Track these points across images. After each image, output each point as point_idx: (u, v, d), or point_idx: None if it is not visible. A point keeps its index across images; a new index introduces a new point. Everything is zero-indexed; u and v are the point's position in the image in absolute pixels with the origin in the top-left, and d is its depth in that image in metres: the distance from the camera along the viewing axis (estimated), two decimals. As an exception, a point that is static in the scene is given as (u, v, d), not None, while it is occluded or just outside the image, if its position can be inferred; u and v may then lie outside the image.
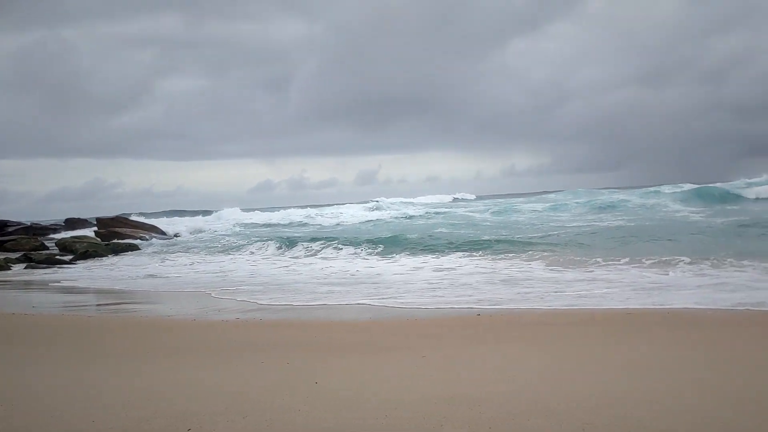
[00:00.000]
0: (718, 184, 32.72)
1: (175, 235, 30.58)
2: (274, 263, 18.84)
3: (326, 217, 36.76)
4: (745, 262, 12.13)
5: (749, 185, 31.13)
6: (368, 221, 33.00)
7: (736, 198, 29.93)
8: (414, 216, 34.29)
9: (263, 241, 23.64)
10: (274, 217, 38.09)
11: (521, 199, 44.17)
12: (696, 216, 24.15)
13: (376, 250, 19.27)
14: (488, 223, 27.59)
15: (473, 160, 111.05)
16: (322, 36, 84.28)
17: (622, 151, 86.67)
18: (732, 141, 78.30)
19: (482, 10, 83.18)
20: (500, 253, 16.52)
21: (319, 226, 32.80)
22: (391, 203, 42.65)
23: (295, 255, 20.54)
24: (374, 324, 9.02)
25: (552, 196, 42.95)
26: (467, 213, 34.50)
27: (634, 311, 8.64)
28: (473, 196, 59.58)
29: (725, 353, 6.20)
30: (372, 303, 10.67)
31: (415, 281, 13.26)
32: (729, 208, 27.11)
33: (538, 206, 35.22)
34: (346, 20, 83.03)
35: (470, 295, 10.91)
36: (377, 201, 42.93)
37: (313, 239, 22.39)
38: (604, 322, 8.18)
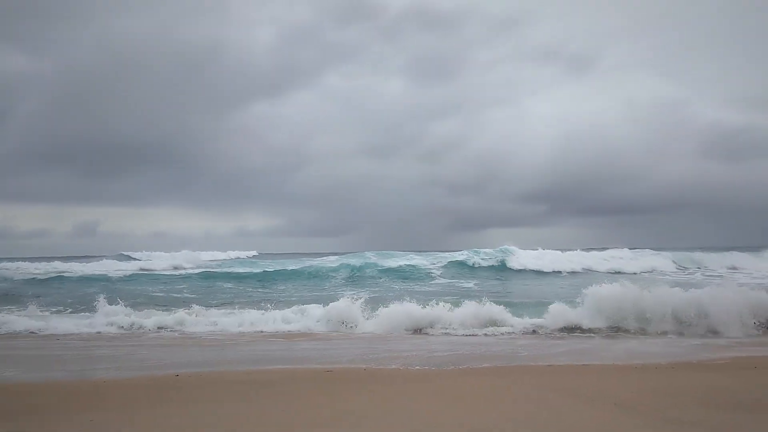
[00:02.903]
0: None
1: None
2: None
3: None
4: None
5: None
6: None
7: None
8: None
9: None
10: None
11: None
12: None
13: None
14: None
15: (204, 217, 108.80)
16: (50, 74, 76.86)
17: (349, 217, 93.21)
18: (445, 214, 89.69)
19: (228, 69, 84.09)
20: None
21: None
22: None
23: None
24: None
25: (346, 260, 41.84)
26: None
27: (335, 369, 8.79)
28: (255, 252, 58.60)
29: (413, 406, 6.47)
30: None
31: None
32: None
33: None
34: (79, 61, 76.61)
35: (171, 356, 10.29)
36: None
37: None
38: (306, 379, 8.16)
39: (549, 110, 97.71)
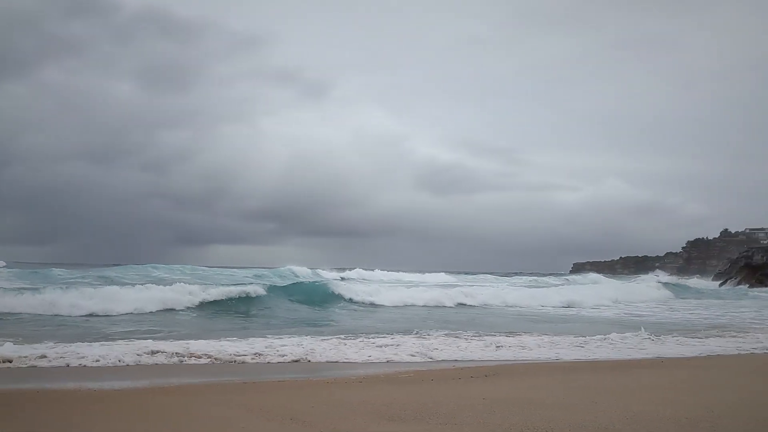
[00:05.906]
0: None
1: None
2: None
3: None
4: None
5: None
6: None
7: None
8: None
9: None
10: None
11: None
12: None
13: None
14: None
15: None
16: None
17: (60, 225, 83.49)
18: (170, 228, 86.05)
19: None
20: None
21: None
22: None
23: None
24: None
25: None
26: None
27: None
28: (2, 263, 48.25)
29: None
30: None
31: None
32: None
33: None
34: None
35: None
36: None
37: None
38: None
39: (283, 131, 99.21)
